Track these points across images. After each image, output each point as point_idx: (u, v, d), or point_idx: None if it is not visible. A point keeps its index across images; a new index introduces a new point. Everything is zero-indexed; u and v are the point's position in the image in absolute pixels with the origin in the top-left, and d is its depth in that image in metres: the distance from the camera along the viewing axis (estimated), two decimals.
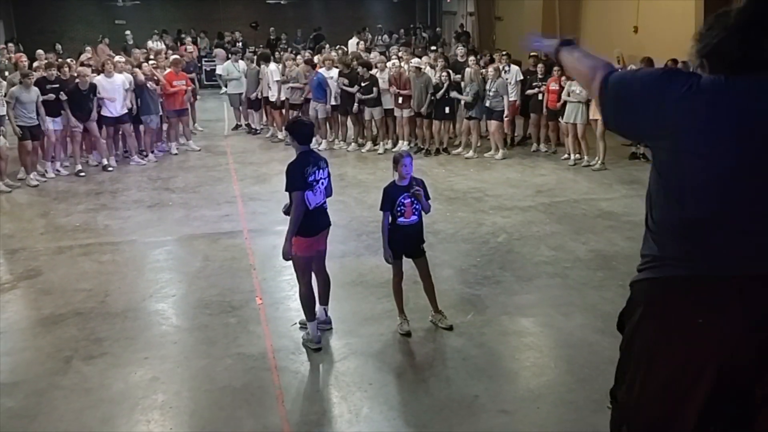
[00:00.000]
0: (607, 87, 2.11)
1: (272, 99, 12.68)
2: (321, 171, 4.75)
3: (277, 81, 12.45)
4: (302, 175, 4.61)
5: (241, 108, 13.73)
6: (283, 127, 11.14)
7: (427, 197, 4.98)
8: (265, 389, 4.30)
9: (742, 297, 1.91)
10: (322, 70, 11.89)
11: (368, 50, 16.50)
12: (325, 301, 5.07)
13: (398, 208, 4.89)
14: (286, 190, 4.63)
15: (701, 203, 1.94)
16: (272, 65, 12.78)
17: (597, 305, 5.41)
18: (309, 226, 4.71)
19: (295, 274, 4.92)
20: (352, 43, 17.96)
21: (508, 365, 4.63)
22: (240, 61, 13.70)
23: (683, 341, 1.98)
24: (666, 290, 2.04)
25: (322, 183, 4.76)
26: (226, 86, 14.12)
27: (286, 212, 4.82)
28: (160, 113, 11.21)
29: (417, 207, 4.93)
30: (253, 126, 13.63)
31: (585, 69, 2.29)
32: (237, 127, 13.94)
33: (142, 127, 11.28)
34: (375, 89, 11.31)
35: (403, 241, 4.96)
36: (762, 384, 1.96)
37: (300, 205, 4.59)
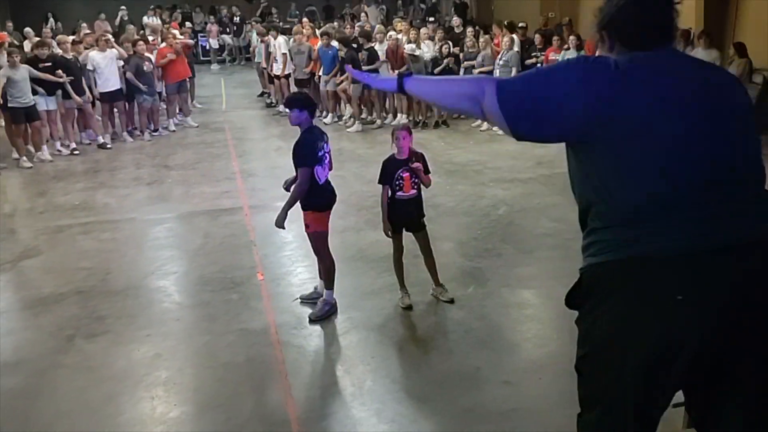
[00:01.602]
0: (505, 98, 1.90)
1: (277, 72, 12.58)
2: (326, 144, 4.75)
3: (284, 54, 12.31)
4: (314, 150, 4.59)
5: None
6: (283, 103, 11.05)
7: (427, 171, 4.94)
8: (268, 364, 4.31)
9: (705, 273, 1.83)
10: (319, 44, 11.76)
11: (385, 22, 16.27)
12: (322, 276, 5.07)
13: (397, 182, 4.84)
14: (299, 165, 4.58)
15: (651, 183, 1.86)
16: (280, 38, 12.63)
17: None
18: (323, 200, 4.73)
19: (313, 250, 4.89)
20: (372, 14, 17.64)
21: (510, 337, 4.64)
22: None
23: (656, 320, 1.86)
24: (631, 271, 1.89)
25: (326, 156, 4.75)
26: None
27: (287, 188, 4.79)
28: (155, 94, 11.05)
29: (416, 181, 4.88)
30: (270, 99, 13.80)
31: (463, 88, 2.05)
32: (262, 94, 14.41)
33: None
34: (377, 62, 11.14)
35: (403, 215, 4.93)
36: (734, 362, 1.91)
37: (307, 181, 4.57)
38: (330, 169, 4.87)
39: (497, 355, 4.33)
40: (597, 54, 2.12)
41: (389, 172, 4.86)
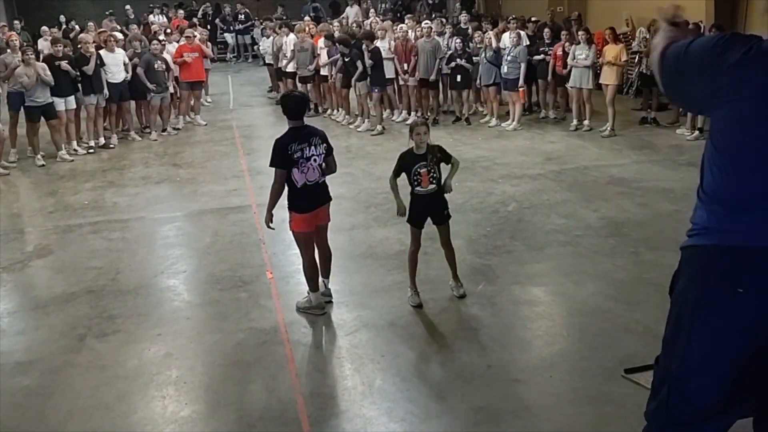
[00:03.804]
0: (664, 60, 2.13)
1: (286, 69, 12.56)
2: (312, 148, 4.67)
3: (292, 50, 12.30)
4: (283, 152, 4.59)
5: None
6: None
7: (448, 160, 4.93)
8: (278, 363, 4.32)
9: None
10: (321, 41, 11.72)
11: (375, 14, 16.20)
12: (325, 274, 5.07)
13: (415, 177, 4.85)
14: (270, 164, 4.68)
15: (749, 175, 1.90)
16: (291, 36, 12.61)
17: (609, 273, 5.38)
18: (301, 203, 4.72)
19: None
20: (352, 12, 17.63)
21: (521, 334, 4.62)
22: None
23: (725, 307, 1.97)
24: (710, 258, 2.02)
25: (315, 159, 4.67)
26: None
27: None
28: (164, 92, 11.05)
29: (434, 176, 4.86)
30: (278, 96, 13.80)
31: (654, 45, 2.29)
32: (270, 90, 14.55)
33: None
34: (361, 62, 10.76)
35: (424, 209, 4.93)
36: None
37: (278, 180, 4.65)
38: (330, 171, 4.84)
39: (508, 352, 4.32)
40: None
41: (405, 166, 4.87)
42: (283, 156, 4.59)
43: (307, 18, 15.96)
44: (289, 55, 12.36)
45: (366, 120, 11.15)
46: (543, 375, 4.06)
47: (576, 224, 6.47)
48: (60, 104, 9.72)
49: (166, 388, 4.09)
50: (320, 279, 5.01)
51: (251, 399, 3.94)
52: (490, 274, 5.48)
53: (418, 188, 4.86)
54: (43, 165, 9.56)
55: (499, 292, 5.16)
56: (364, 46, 10.75)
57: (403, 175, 4.93)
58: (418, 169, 4.82)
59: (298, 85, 12.14)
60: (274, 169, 4.67)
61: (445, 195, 4.98)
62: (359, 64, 10.61)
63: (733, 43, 1.92)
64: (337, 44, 11.09)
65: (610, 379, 3.91)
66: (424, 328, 4.70)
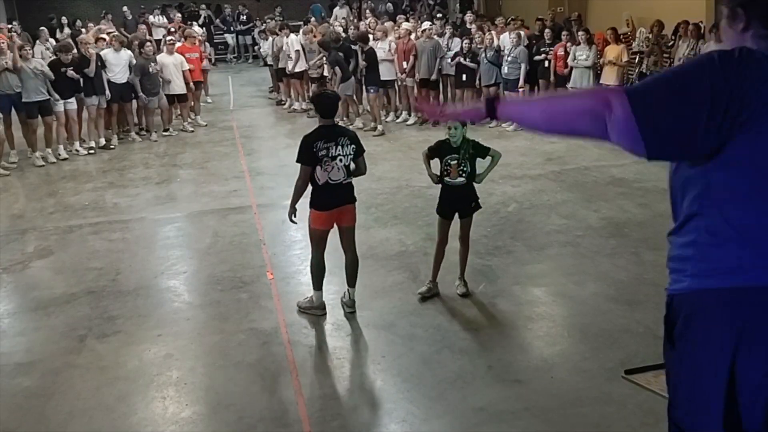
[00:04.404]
0: (635, 103, 1.60)
1: (289, 69, 12.55)
2: (339, 147, 4.65)
3: (296, 51, 12.28)
4: (309, 149, 4.58)
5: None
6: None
7: (484, 155, 4.97)
8: (279, 364, 4.31)
9: None
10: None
11: (373, 15, 16.19)
12: (351, 282, 4.91)
13: (445, 167, 4.94)
14: (296, 161, 4.69)
15: None
16: (293, 36, 12.60)
17: (609, 273, 5.38)
18: (321, 200, 4.70)
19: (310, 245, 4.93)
20: (341, 13, 17.61)
21: (521, 335, 4.62)
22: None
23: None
24: (751, 301, 1.64)
25: (341, 159, 4.66)
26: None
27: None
28: (158, 94, 11.03)
29: (464, 169, 4.90)
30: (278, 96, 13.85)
31: (581, 101, 1.78)
32: (271, 90, 14.66)
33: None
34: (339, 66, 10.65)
35: (452, 201, 5.00)
36: None
37: (301, 177, 4.65)
38: (359, 173, 4.83)
39: (509, 353, 4.32)
40: (716, 34, 1.90)
41: (440, 154, 4.95)
42: (308, 153, 4.58)
43: (312, 20, 15.97)
44: (293, 55, 12.32)
45: (356, 119, 11.07)
46: (544, 376, 4.05)
47: (576, 224, 6.47)
48: (59, 105, 9.72)
49: (167, 389, 4.09)
50: (347, 288, 4.94)
51: (252, 400, 3.93)
52: (490, 274, 5.47)
53: (447, 178, 4.94)
54: (43, 165, 9.57)
55: (500, 293, 5.15)
56: (358, 48, 10.72)
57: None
58: (449, 161, 4.90)
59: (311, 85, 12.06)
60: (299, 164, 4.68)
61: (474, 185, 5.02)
62: (337, 69, 10.53)
63: (725, 55, 1.61)
64: (319, 46, 11.13)
65: (611, 379, 3.91)
66: (425, 329, 4.69)
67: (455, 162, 4.87)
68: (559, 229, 6.38)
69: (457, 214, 5.04)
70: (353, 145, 4.72)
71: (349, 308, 4.91)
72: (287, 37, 12.64)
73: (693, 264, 1.74)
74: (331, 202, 4.73)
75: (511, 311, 4.89)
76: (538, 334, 4.63)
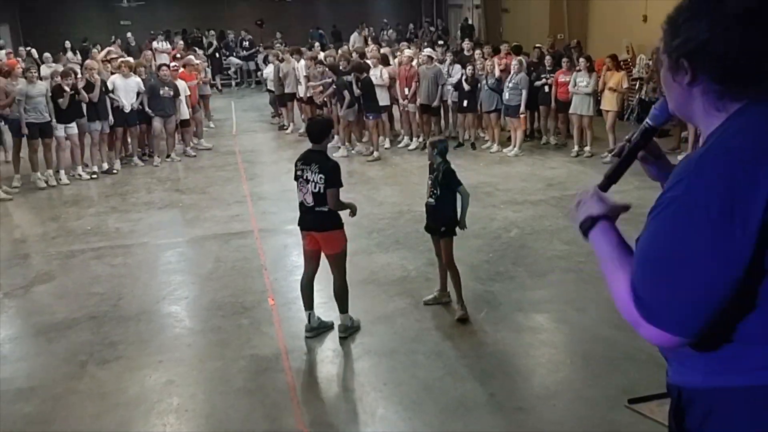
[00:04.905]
0: (640, 299, 1.41)
1: (300, 95, 12.64)
2: (311, 173, 4.69)
3: (305, 76, 12.38)
4: (295, 167, 4.86)
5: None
6: None
7: (449, 186, 5.09)
8: (280, 391, 4.29)
9: None
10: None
11: (375, 42, 16.40)
12: (339, 309, 4.94)
13: (427, 183, 5.28)
14: None
15: None
16: (302, 61, 12.68)
17: (611, 300, 5.33)
18: (299, 218, 4.95)
19: None
20: (355, 38, 17.87)
21: (523, 362, 4.60)
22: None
23: None
24: None
25: (314, 184, 4.68)
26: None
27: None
28: (167, 117, 11.09)
29: (435, 192, 5.13)
30: (281, 121, 13.93)
31: (619, 303, 1.53)
32: (274, 116, 14.68)
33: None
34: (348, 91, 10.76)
35: (427, 217, 5.32)
36: None
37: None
38: (313, 200, 4.71)
39: (511, 380, 4.30)
40: (656, 86, 1.61)
41: (430, 170, 5.25)
42: (295, 169, 4.86)
43: (317, 45, 16.15)
44: (303, 81, 12.41)
45: (342, 147, 11.13)
46: (546, 403, 4.03)
47: (578, 250, 6.46)
48: (60, 129, 9.79)
49: (168, 416, 4.07)
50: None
51: (253, 427, 3.91)
52: (492, 300, 5.47)
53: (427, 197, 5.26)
54: (45, 188, 9.62)
55: (502, 319, 5.14)
56: (353, 78, 10.78)
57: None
58: (429, 179, 5.22)
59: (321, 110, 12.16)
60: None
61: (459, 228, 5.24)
62: (346, 93, 10.69)
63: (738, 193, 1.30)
64: (327, 69, 11.28)
65: (614, 407, 3.88)
66: (426, 356, 4.68)
67: (431, 182, 5.16)
68: (561, 254, 6.38)
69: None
70: (321, 175, 4.66)
71: (341, 333, 4.94)
72: (297, 62, 12.72)
73: (706, 358, 1.49)
74: (302, 223, 4.91)
75: (513, 338, 4.88)
76: (540, 361, 4.61)
